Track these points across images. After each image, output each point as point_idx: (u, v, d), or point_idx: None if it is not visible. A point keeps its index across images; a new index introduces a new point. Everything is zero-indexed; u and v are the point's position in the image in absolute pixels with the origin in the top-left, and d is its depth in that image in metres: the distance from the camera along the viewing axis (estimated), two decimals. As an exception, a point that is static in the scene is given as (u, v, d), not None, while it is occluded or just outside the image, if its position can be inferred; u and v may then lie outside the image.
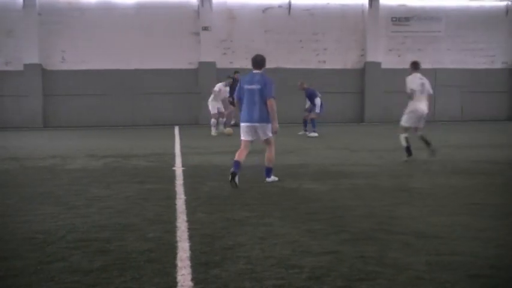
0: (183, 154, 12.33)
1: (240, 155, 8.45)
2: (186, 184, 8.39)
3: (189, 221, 5.99)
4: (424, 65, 23.95)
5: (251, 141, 8.65)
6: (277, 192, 7.73)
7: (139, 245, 5.08)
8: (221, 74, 21.98)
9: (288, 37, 23.38)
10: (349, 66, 23.99)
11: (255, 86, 8.45)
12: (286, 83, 20.91)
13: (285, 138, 14.66)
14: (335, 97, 21.93)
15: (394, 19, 24.17)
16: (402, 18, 24.25)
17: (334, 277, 4.21)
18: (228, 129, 17.11)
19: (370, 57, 23.76)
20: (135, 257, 4.72)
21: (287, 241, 5.19)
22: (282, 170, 9.36)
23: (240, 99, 8.65)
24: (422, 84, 11.04)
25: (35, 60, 21.75)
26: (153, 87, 22.61)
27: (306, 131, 17.58)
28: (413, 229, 5.62)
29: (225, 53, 23.15)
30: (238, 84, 8.86)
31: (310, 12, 23.56)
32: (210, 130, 17.25)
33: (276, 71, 21.35)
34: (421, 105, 11.04)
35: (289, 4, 23.24)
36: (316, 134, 16.89)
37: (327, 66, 23.78)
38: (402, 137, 11.15)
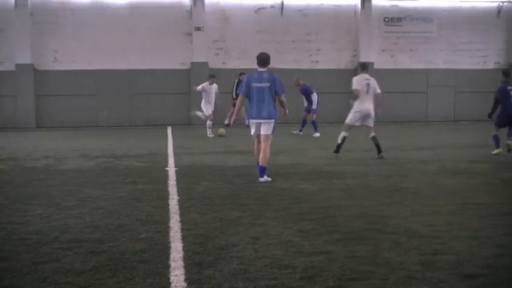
0: (175, 154, 12.33)
1: (257, 153, 8.91)
2: (178, 184, 8.39)
3: (182, 221, 6.00)
4: (417, 65, 24.29)
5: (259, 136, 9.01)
6: (269, 192, 7.75)
7: (132, 245, 5.08)
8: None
9: (281, 37, 23.40)
10: (342, 66, 24.04)
11: (264, 84, 8.75)
12: (279, 83, 20.86)
13: (278, 137, 14.66)
14: (328, 97, 21.91)
15: (386, 19, 24.24)
16: (395, 18, 24.32)
17: (327, 277, 4.24)
18: (221, 130, 17.09)
19: (363, 58, 23.76)
20: (128, 257, 4.72)
21: (280, 241, 5.21)
22: (275, 169, 9.38)
23: (247, 97, 8.90)
24: (368, 85, 11.37)
25: (26, 60, 21.64)
26: (146, 88, 22.56)
27: (300, 131, 17.59)
28: (406, 228, 5.66)
29: (217, 54, 23.14)
30: (244, 83, 9.01)
31: (303, 13, 23.58)
32: (206, 132, 17.12)
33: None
34: (366, 105, 11.39)
35: (282, 4, 23.26)
36: (318, 134, 16.97)
37: (320, 66, 23.81)
38: (341, 134, 11.64)
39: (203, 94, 17.36)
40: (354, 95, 11.52)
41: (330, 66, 23.85)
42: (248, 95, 8.87)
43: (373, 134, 11.53)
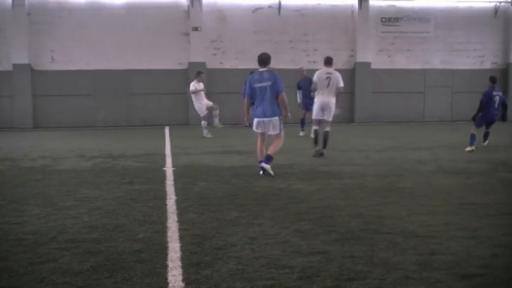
0: (173, 154, 12.33)
1: (260, 153, 9.29)
2: (176, 184, 8.39)
3: (179, 221, 6.00)
4: (414, 65, 24.32)
5: (264, 133, 9.39)
6: (267, 192, 7.75)
7: (129, 245, 5.09)
8: (211, 75, 22.02)
9: (278, 37, 23.41)
10: (339, 66, 24.03)
11: (266, 83, 9.13)
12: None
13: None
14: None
15: (383, 19, 24.28)
16: (392, 18, 24.36)
17: (324, 277, 4.25)
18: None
19: (360, 58, 23.84)
20: (126, 257, 4.72)
21: (277, 241, 5.22)
22: (272, 169, 9.37)
23: (251, 98, 9.31)
24: (329, 79, 11.71)
25: (24, 60, 21.63)
26: (143, 88, 22.56)
27: (303, 130, 17.48)
28: (402, 228, 5.67)
29: (215, 54, 23.14)
30: (247, 84, 9.38)
31: (301, 13, 23.61)
32: (202, 132, 17.06)
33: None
34: (325, 99, 11.79)
35: (279, 4, 23.27)
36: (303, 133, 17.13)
37: (318, 66, 23.76)
38: (312, 128, 12.24)
39: (193, 94, 17.11)
40: (312, 89, 12.11)
41: (327, 66, 23.83)
42: (252, 96, 9.27)
43: (327, 129, 11.80)
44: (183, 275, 4.29)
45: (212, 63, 22.76)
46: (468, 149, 12.54)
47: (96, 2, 22.18)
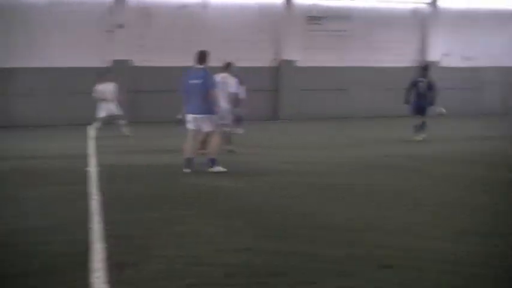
0: (97, 154, 12.02)
1: (189, 149, 9.24)
2: (100, 184, 8.18)
3: (103, 221, 5.86)
4: (338, 63, 24.83)
5: (197, 132, 9.36)
6: (194, 190, 7.71)
7: (50, 248, 4.92)
8: (137, 72, 21.66)
9: (205, 35, 23.29)
10: (264, 64, 24.24)
11: (197, 81, 9.28)
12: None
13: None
14: (250, 95, 22.01)
15: (308, 18, 24.65)
16: (316, 17, 24.77)
17: (250, 273, 4.26)
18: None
19: (286, 56, 24.11)
20: (46, 261, 4.56)
21: (204, 239, 5.19)
22: (197, 168, 9.31)
23: (186, 93, 9.38)
24: (223, 83, 11.78)
25: None
26: (65, 87, 21.85)
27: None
28: (330, 223, 5.77)
29: (139, 51, 22.74)
30: (183, 81, 9.52)
31: (227, 11, 23.60)
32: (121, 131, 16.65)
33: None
34: (221, 103, 11.70)
35: (206, 2, 23.17)
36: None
37: (242, 64, 23.85)
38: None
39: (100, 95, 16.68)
40: None
41: (253, 64, 23.96)
42: (185, 92, 9.37)
43: (228, 129, 11.83)
44: (106, 276, 4.19)
45: (137, 61, 22.37)
46: (417, 138, 13.57)
47: (15, -3, 21.28)
